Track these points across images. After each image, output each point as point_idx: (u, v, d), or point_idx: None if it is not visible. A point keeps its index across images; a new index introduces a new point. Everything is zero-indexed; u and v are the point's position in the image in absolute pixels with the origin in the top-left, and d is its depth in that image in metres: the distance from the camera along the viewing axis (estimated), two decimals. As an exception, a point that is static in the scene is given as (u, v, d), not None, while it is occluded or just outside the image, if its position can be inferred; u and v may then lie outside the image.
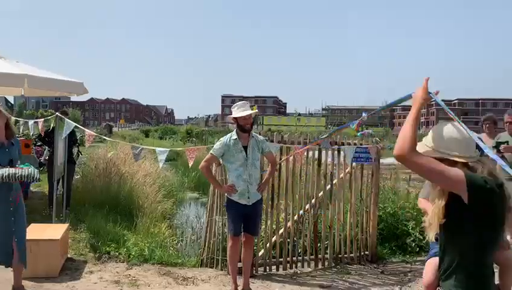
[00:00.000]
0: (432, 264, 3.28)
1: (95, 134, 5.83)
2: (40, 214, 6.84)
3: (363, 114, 4.12)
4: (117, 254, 5.38)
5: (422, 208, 3.43)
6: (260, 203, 4.48)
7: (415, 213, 6.21)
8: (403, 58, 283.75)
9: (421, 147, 2.08)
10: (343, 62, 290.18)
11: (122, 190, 7.88)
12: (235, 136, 4.40)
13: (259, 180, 4.43)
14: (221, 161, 4.52)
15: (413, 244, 5.85)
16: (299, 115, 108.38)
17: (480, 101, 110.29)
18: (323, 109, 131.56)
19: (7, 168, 3.78)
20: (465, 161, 1.99)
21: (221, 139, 4.50)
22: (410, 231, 5.92)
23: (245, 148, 4.38)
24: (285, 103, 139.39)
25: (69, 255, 5.33)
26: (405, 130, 1.97)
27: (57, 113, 6.31)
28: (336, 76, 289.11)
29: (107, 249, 5.46)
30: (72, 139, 7.44)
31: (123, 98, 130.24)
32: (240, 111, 4.34)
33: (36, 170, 3.96)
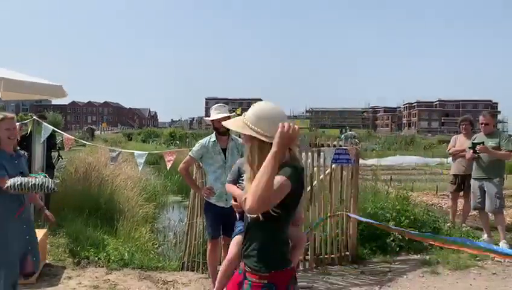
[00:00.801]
0: (236, 240, 3.69)
1: (74, 138, 5.77)
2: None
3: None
4: (96, 258, 5.32)
5: (231, 192, 3.58)
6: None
7: (395, 214, 6.30)
8: (389, 58, 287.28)
9: (237, 122, 2.23)
10: (328, 64, 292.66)
11: (103, 193, 7.80)
12: (214, 138, 4.41)
13: None
14: (200, 163, 4.51)
15: (393, 244, 5.92)
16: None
17: (460, 102, 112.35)
18: (307, 111, 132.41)
19: (19, 177, 3.43)
20: (270, 142, 2.07)
21: (200, 141, 4.50)
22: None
23: (224, 150, 4.39)
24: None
25: (47, 261, 5.26)
26: (264, 185, 1.94)
27: (33, 117, 6.22)
28: (320, 78, 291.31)
29: (87, 254, 5.40)
30: (51, 144, 7.33)
31: (105, 101, 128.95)
32: (215, 113, 4.36)
33: (51, 179, 3.64)
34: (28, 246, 3.58)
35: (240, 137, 4.77)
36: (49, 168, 7.20)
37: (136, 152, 5.56)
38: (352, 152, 5.60)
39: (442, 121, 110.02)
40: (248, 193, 2.00)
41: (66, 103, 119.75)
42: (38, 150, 6.43)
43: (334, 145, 5.66)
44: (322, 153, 5.49)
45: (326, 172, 5.64)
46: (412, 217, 6.33)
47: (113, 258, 5.33)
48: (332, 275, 5.18)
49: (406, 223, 6.15)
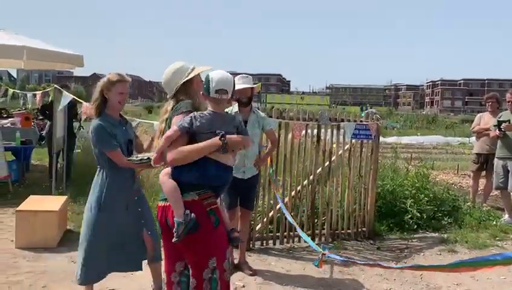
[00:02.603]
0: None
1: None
2: (40, 186, 6.89)
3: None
4: (115, 226, 5.41)
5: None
6: (256, 179, 4.48)
7: (414, 191, 6.21)
8: (410, 36, 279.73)
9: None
10: (349, 41, 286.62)
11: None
12: (236, 109, 4.37)
13: (256, 156, 4.41)
14: None
15: (411, 221, 5.86)
16: (303, 93, 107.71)
17: (486, 81, 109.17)
18: (327, 88, 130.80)
19: (137, 155, 3.19)
20: None
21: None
22: (408, 208, 5.93)
23: (245, 122, 4.35)
24: (289, 81, 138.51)
25: (68, 227, 5.38)
26: (190, 155, 2.32)
27: (55, 85, 6.28)
28: (341, 55, 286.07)
29: (106, 221, 5.49)
30: (72, 113, 7.42)
31: (126, 73, 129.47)
32: (239, 83, 4.31)
33: None
34: (141, 219, 3.40)
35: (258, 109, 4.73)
36: (70, 136, 7.31)
37: (155, 123, 5.56)
38: (373, 128, 5.50)
39: (466, 100, 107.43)
40: (172, 152, 2.31)
41: (88, 75, 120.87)
42: (60, 119, 6.51)
43: (355, 121, 5.57)
44: (341, 129, 5.42)
45: (346, 147, 5.56)
46: (431, 195, 6.24)
47: (131, 225, 5.40)
48: (348, 249, 5.18)
49: (425, 201, 6.07)
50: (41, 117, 9.85)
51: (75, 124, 10.91)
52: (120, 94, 3.27)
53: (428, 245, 5.40)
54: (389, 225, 5.86)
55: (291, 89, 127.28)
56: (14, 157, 7.59)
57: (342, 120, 5.51)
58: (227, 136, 2.34)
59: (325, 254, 3.07)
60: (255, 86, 4.55)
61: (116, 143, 3.20)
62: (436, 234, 5.79)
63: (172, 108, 2.59)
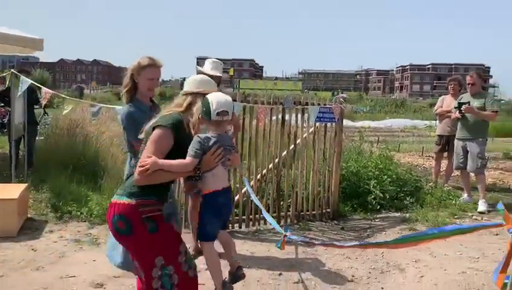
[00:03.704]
0: None
1: (52, 92, 5.64)
2: (1, 175, 6.68)
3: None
4: (79, 213, 5.33)
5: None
6: None
7: (377, 172, 6.35)
8: (381, 22, 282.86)
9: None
10: (321, 26, 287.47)
11: (87, 150, 7.74)
12: None
13: None
14: None
15: (374, 202, 6.00)
16: (276, 78, 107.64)
17: (453, 66, 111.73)
18: (299, 73, 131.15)
19: None
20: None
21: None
22: (372, 189, 6.06)
23: None
24: (262, 66, 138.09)
25: (29, 215, 5.26)
26: (162, 177, 2.29)
27: (12, 70, 6.06)
28: (313, 40, 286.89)
29: (69, 208, 5.40)
30: (33, 99, 7.18)
31: (95, 59, 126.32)
32: (209, 68, 4.28)
33: None
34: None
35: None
36: (31, 124, 7.09)
37: (117, 107, 5.47)
38: (337, 111, 5.56)
39: (434, 84, 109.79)
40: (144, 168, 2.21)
41: (55, 61, 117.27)
42: (19, 105, 6.30)
43: (319, 104, 5.61)
44: (306, 112, 5.45)
45: (310, 130, 5.61)
46: (394, 176, 6.39)
47: (95, 213, 5.33)
48: (313, 230, 5.26)
49: (388, 182, 6.21)
50: (1, 104, 9.50)
51: (39, 111, 10.61)
52: (150, 80, 3.07)
53: (391, 224, 5.54)
54: (353, 206, 5.99)
55: (265, 75, 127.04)
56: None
57: (307, 104, 5.55)
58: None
59: (286, 236, 3.13)
60: (224, 74, 4.53)
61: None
62: (399, 214, 5.95)
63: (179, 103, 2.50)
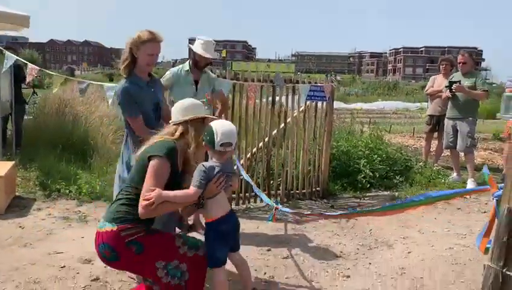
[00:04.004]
0: None
1: (37, 68, 5.52)
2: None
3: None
4: (67, 191, 5.30)
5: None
6: None
7: (367, 152, 6.36)
8: (375, 4, 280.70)
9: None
10: (315, 8, 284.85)
11: (77, 129, 7.67)
12: (187, 68, 4.26)
13: None
14: (169, 95, 4.37)
15: (364, 181, 6.02)
16: (269, 60, 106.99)
17: (446, 49, 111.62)
18: (293, 55, 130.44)
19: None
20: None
21: (172, 69, 4.36)
22: (362, 168, 6.08)
23: (196, 82, 4.27)
24: (255, 48, 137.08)
25: (17, 193, 5.21)
26: (166, 208, 2.28)
27: (-3, 46, 5.92)
28: (307, 22, 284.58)
29: (57, 186, 5.36)
30: (21, 77, 7.05)
31: (85, 40, 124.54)
32: (201, 48, 4.17)
33: None
34: None
35: (212, 71, 4.63)
36: (18, 103, 6.98)
37: (105, 84, 5.39)
38: (328, 89, 5.52)
39: (427, 67, 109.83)
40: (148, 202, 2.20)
41: (45, 41, 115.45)
42: (5, 83, 6.18)
43: (310, 82, 5.58)
44: (296, 91, 5.41)
45: (301, 109, 5.59)
46: (384, 156, 6.41)
47: (84, 191, 5.31)
48: (302, 208, 5.28)
49: (378, 161, 6.23)
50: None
51: (28, 91, 10.42)
52: (149, 56, 2.96)
53: (379, 202, 5.57)
54: (342, 185, 6.01)
55: (258, 56, 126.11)
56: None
57: (297, 82, 5.50)
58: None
59: (277, 208, 3.14)
60: (216, 57, 4.46)
61: (138, 111, 3.00)
62: (388, 192, 5.98)
63: (170, 133, 2.42)
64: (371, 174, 6.03)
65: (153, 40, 2.94)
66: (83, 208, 4.94)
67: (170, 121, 2.46)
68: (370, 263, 3.80)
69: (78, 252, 3.74)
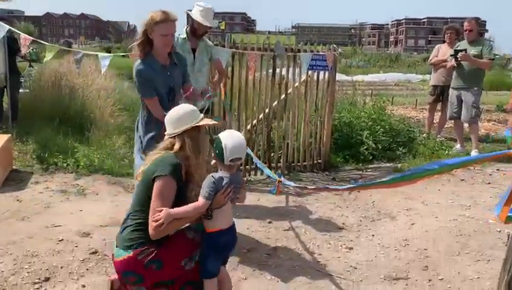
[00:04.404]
0: None
1: (31, 38, 5.36)
2: (-15, 127, 6.50)
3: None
4: (65, 165, 5.21)
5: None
6: (207, 112, 4.31)
7: (370, 123, 6.25)
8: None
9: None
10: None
11: (74, 102, 7.53)
12: (184, 36, 4.10)
13: (205, 87, 4.22)
14: None
15: (367, 152, 5.92)
16: (269, 32, 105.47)
17: (449, 20, 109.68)
18: (293, 27, 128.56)
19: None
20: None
21: None
22: (364, 139, 5.97)
23: (193, 51, 4.12)
24: (254, 20, 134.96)
25: (14, 167, 5.13)
26: (177, 225, 2.20)
27: (-13, 16, 5.72)
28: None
29: (55, 160, 5.27)
30: (14, 48, 6.86)
31: (82, 13, 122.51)
32: (201, 16, 3.98)
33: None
34: None
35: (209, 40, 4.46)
36: (13, 75, 6.82)
37: (100, 54, 5.25)
38: (330, 58, 5.37)
39: (429, 39, 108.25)
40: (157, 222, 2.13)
41: (41, 14, 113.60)
42: (-1, 54, 6.01)
43: (312, 51, 5.41)
44: (297, 60, 5.26)
45: (302, 79, 5.44)
46: (387, 127, 6.30)
47: (82, 164, 5.22)
48: (303, 181, 5.21)
49: (381, 133, 6.12)
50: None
51: (25, 64, 10.21)
52: (164, 36, 2.87)
53: (382, 174, 5.50)
54: (345, 157, 5.92)
55: (258, 29, 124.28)
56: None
57: (299, 50, 5.34)
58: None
59: (280, 181, 3.05)
60: (215, 25, 4.28)
61: (153, 91, 2.96)
62: (391, 164, 5.90)
63: (167, 147, 2.31)
64: (373, 145, 5.93)
65: (166, 20, 2.85)
66: (81, 181, 4.86)
67: (165, 133, 2.34)
68: (373, 235, 3.74)
69: (76, 225, 3.68)
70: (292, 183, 2.94)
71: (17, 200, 4.25)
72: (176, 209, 2.15)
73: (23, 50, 5.61)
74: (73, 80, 8.69)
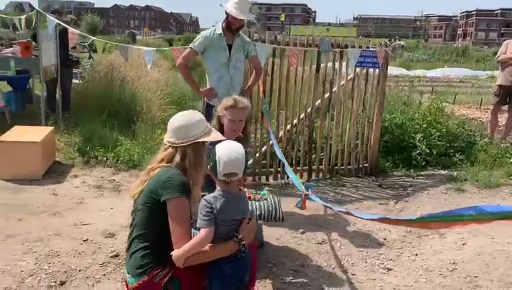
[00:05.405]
0: None
1: (79, 32, 5.41)
2: (37, 118, 6.71)
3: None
4: (105, 158, 5.23)
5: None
6: None
7: (425, 125, 5.76)
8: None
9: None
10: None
11: (124, 95, 7.62)
12: (219, 31, 3.90)
13: (242, 85, 4.01)
14: (201, 56, 4.03)
15: (419, 158, 5.46)
16: (329, 24, 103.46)
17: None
18: (354, 19, 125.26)
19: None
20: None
21: (203, 32, 4.02)
22: (417, 143, 5.51)
23: (229, 47, 3.91)
24: (315, 12, 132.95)
25: (57, 159, 5.22)
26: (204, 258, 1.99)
27: (36, 9, 5.85)
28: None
29: (96, 153, 5.31)
30: (66, 41, 7.02)
31: (147, 5, 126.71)
32: (236, 9, 3.78)
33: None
34: None
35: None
36: (65, 67, 6.97)
37: (144, 48, 5.20)
38: (381, 55, 4.96)
39: (502, 31, 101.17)
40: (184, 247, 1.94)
41: (109, 6, 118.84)
42: (49, 46, 6.14)
43: (360, 47, 5.03)
44: (345, 56, 4.90)
45: (349, 77, 5.08)
46: (443, 130, 5.77)
47: (121, 159, 5.21)
48: (346, 186, 4.88)
49: (436, 137, 5.62)
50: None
51: (84, 55, 10.54)
52: (231, 121, 2.92)
53: (435, 183, 5.04)
54: (394, 161, 5.49)
55: (318, 20, 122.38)
56: (11, 88, 7.39)
57: (346, 46, 4.98)
58: (242, 232, 2.03)
59: (307, 195, 2.79)
60: (251, 18, 4.07)
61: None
62: (445, 172, 5.40)
63: (168, 159, 2.11)
64: (427, 150, 5.45)
65: (233, 107, 2.90)
66: (118, 176, 4.84)
67: (166, 141, 2.12)
68: (416, 254, 3.37)
69: (103, 224, 3.63)
70: (319, 200, 2.66)
71: (54, 193, 4.28)
72: (181, 250, 1.92)
73: (71, 43, 5.68)
74: (125, 72, 8.84)
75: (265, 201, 3.02)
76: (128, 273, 2.07)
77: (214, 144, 2.09)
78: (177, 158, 2.05)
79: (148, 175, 2.07)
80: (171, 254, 1.94)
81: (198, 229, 1.98)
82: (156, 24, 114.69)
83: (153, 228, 2.01)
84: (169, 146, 2.09)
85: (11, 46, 9.25)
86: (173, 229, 1.95)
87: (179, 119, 2.10)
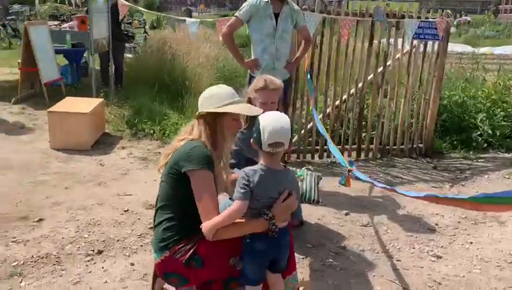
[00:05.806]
0: None
1: (129, 4, 5.41)
2: (91, 90, 6.89)
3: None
4: (151, 131, 5.27)
5: None
6: (288, 84, 3.90)
7: (488, 104, 5.30)
8: None
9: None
10: None
11: (175, 69, 7.65)
12: None
13: (288, 57, 3.81)
14: (246, 26, 3.86)
15: (480, 139, 5.05)
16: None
17: None
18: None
19: None
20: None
21: (249, 0, 3.83)
22: (479, 123, 5.10)
23: (276, 16, 3.72)
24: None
25: (106, 131, 5.33)
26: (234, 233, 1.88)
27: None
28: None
29: (143, 126, 5.36)
30: (117, 15, 7.09)
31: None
32: None
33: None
34: None
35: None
36: (117, 40, 7.05)
37: (188, 19, 5.12)
38: (441, 26, 4.56)
39: None
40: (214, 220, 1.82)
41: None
42: (100, 19, 6.21)
43: (419, 17, 4.64)
44: (401, 27, 4.55)
45: (405, 50, 4.73)
46: (509, 110, 5.28)
47: (168, 132, 5.23)
48: (397, 167, 4.60)
49: (501, 117, 5.16)
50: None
51: (138, 30, 10.66)
52: (262, 104, 2.64)
53: (497, 167, 4.64)
54: (452, 142, 5.11)
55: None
56: (67, 61, 7.62)
57: (403, 16, 4.62)
58: (275, 210, 1.86)
59: (351, 171, 2.62)
60: None
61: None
62: (509, 155, 4.96)
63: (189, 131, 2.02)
64: (489, 131, 5.03)
65: (265, 88, 2.68)
66: (163, 149, 4.85)
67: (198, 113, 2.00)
68: (471, 243, 3.09)
69: (145, 195, 3.63)
70: (362, 176, 2.47)
71: (100, 164, 4.36)
72: (213, 221, 1.81)
73: (121, 16, 5.69)
74: (176, 47, 8.85)
75: (300, 183, 2.85)
76: (153, 248, 2.01)
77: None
78: (199, 129, 1.95)
79: (174, 147, 1.98)
80: (200, 226, 1.85)
81: (233, 200, 1.88)
82: (212, 1, 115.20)
83: (176, 199, 1.93)
84: (196, 118, 1.99)
85: (71, 21, 9.58)
86: (198, 201, 1.86)
87: (207, 90, 2.01)
